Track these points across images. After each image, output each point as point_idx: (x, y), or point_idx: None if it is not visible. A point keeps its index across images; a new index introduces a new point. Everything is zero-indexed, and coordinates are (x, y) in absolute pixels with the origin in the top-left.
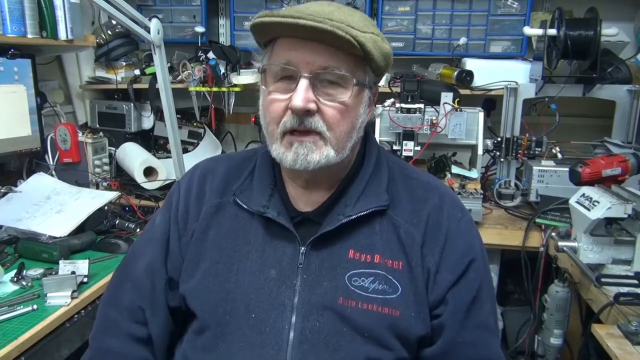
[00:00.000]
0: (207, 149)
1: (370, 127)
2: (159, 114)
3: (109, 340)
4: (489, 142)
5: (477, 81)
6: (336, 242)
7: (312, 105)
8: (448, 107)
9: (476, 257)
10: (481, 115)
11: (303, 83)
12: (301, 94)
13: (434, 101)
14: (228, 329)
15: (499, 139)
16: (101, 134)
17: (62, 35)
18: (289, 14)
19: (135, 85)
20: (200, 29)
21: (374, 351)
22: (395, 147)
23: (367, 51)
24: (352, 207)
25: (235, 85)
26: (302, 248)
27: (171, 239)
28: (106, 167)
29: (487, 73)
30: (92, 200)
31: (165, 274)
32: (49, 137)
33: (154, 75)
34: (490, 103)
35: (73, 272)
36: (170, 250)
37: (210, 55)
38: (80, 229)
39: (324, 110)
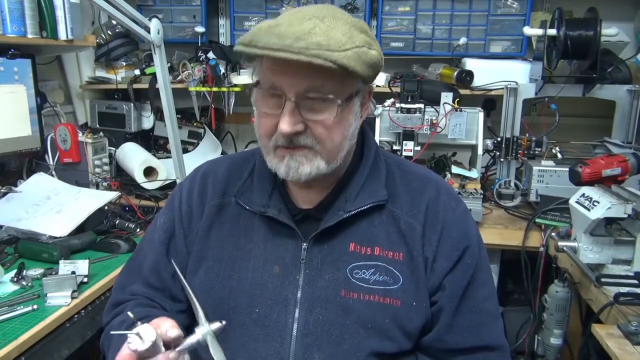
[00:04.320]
0: (207, 149)
1: (367, 124)
2: (159, 114)
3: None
4: (489, 142)
5: (477, 81)
6: (337, 236)
7: (299, 127)
8: (448, 107)
9: (471, 244)
10: (481, 115)
11: (288, 106)
12: (287, 119)
13: (434, 101)
14: (232, 324)
15: (499, 139)
16: (101, 134)
17: (62, 35)
18: (269, 42)
19: (135, 85)
20: (200, 29)
21: (377, 343)
22: (395, 147)
23: (350, 69)
24: (351, 202)
25: (235, 85)
26: (304, 244)
27: (177, 237)
28: (106, 167)
29: (487, 73)
30: (92, 200)
31: (171, 267)
32: (49, 137)
33: (154, 75)
34: (490, 103)
35: (73, 272)
36: (177, 248)
37: (210, 55)
38: (80, 229)
39: (312, 128)
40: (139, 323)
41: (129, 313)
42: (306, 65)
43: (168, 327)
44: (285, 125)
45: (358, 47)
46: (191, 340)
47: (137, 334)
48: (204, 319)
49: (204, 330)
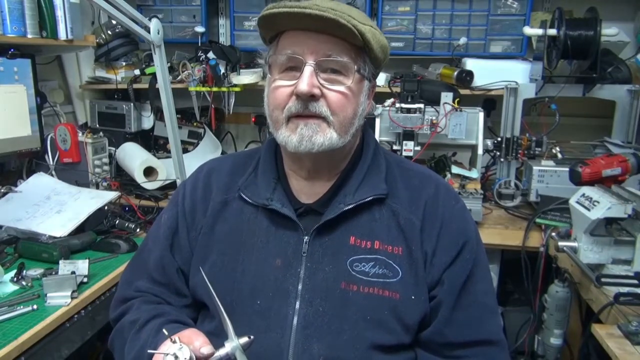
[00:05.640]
0: (207, 149)
1: (368, 123)
2: (159, 114)
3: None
4: (489, 142)
5: (477, 81)
6: (338, 230)
7: (317, 91)
8: (448, 107)
9: (469, 239)
10: (481, 115)
11: (308, 69)
12: (306, 80)
13: (434, 101)
14: (234, 315)
15: (499, 139)
16: (101, 134)
17: (62, 35)
18: (295, 5)
19: (135, 85)
20: (200, 29)
21: (376, 335)
22: (395, 147)
23: (366, 41)
24: (352, 195)
25: (235, 85)
26: (306, 237)
27: (180, 233)
28: (106, 167)
29: (487, 73)
30: (92, 200)
31: (175, 262)
32: (49, 137)
33: (154, 75)
34: (490, 103)
35: (73, 272)
36: (180, 243)
37: (210, 55)
38: (80, 229)
39: (328, 96)
40: (177, 338)
41: (164, 331)
42: (326, 35)
43: (201, 343)
44: (304, 85)
45: (373, 27)
46: (220, 353)
47: (174, 355)
48: (233, 333)
49: (233, 344)
